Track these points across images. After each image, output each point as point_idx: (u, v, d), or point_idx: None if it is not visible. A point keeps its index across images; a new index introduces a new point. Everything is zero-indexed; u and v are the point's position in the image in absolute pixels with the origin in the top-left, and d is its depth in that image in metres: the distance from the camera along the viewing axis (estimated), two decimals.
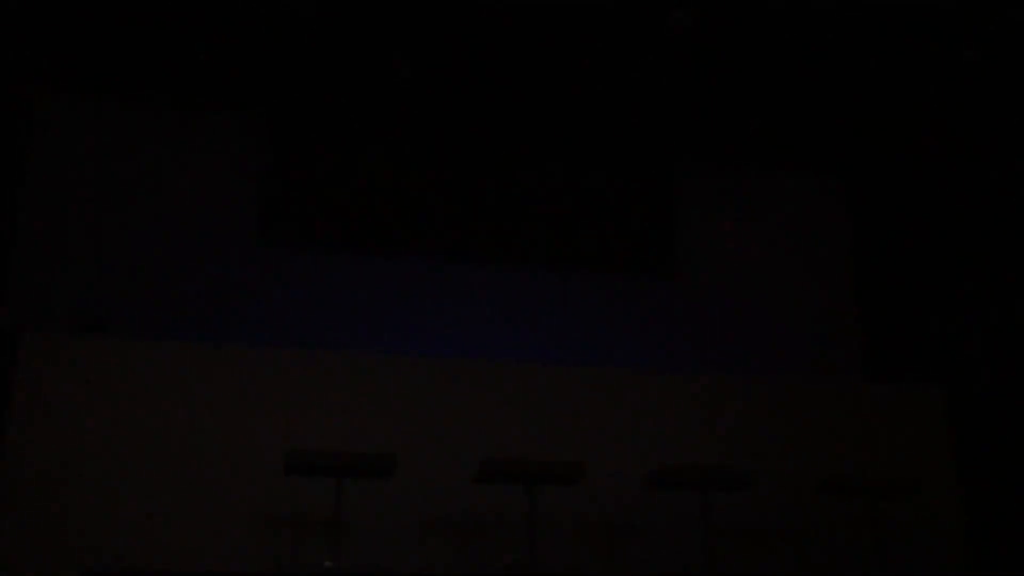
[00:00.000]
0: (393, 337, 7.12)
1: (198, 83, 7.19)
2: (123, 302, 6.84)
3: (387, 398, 6.23)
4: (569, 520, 6.10)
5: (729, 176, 8.26)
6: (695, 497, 5.88)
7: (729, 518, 6.12)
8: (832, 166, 8.41)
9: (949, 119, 7.64)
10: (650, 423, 6.56)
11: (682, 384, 6.78)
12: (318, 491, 5.56)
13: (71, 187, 7.07)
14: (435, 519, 5.96)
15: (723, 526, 6.01)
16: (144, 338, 6.32)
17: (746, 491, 5.94)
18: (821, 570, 6.32)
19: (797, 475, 6.50)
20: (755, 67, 7.18)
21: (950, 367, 7.45)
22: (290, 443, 5.78)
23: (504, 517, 5.96)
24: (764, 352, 7.75)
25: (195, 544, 5.63)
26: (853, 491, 6.11)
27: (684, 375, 6.98)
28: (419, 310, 7.23)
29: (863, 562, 6.20)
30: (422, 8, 6.61)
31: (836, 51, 7.01)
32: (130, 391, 5.94)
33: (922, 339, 7.72)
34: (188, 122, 7.36)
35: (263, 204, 7.29)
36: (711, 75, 7.29)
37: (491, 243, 7.53)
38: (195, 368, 6.08)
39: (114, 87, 7.21)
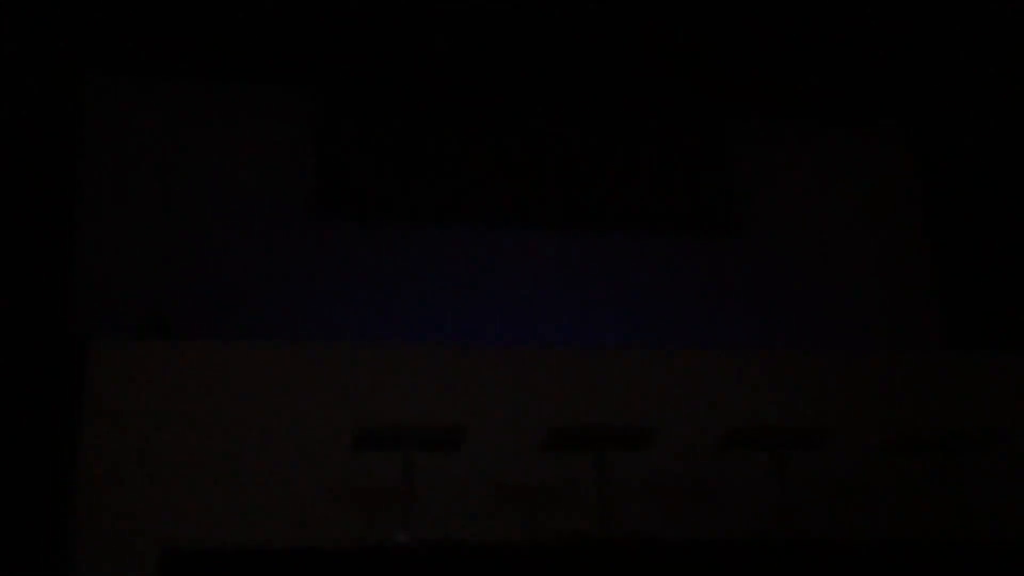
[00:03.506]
0: (450, 302, 7.14)
1: (249, 58, 7.23)
2: (185, 287, 6.93)
3: (453, 379, 6.28)
4: (640, 485, 6.07)
5: (792, 130, 8.03)
6: (768, 460, 5.80)
7: (803, 480, 6.05)
8: (901, 118, 8.13)
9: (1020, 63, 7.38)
10: (719, 396, 6.52)
11: (752, 356, 6.72)
12: (390, 466, 5.60)
13: (124, 174, 7.12)
14: (506, 489, 5.97)
15: (797, 487, 5.94)
16: (208, 325, 6.48)
17: (820, 451, 5.84)
18: (896, 529, 6.21)
19: (873, 439, 6.40)
20: (820, 14, 7.02)
21: None
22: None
23: (575, 484, 5.95)
24: (832, 312, 7.55)
25: (271, 523, 5.72)
26: (930, 446, 5.99)
27: (753, 348, 6.91)
28: (475, 276, 7.24)
29: (942, 523, 6.08)
30: None
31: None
32: (197, 388, 6.05)
33: (1001, 304, 7.43)
34: (239, 100, 7.38)
35: (319, 181, 7.31)
36: (774, 24, 7.14)
37: (549, 208, 7.49)
38: (260, 364, 6.18)
39: (163, 67, 7.25)
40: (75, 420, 5.96)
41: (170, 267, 6.96)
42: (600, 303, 7.31)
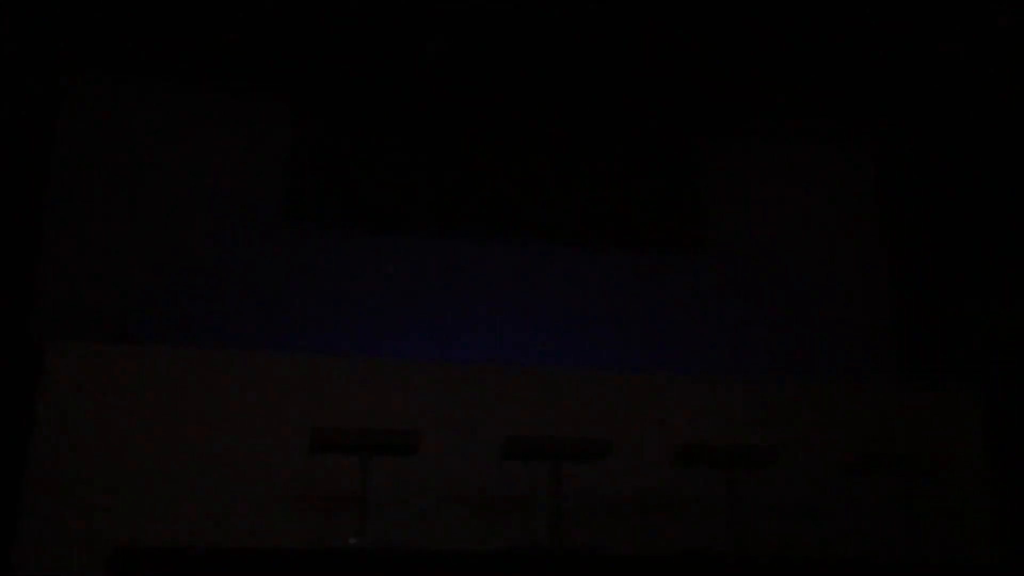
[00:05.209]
0: (416, 313, 7.13)
1: (219, 65, 7.18)
2: (151, 293, 6.83)
3: (413, 391, 6.31)
4: (594, 497, 6.13)
5: (757, 148, 8.00)
6: (721, 475, 5.90)
7: (755, 497, 6.16)
8: (865, 140, 8.08)
9: (989, 90, 7.39)
10: (674, 415, 6.60)
11: (707, 379, 6.82)
12: (346, 471, 5.62)
13: (92, 177, 7.00)
14: (461, 496, 6.00)
15: (749, 505, 6.03)
16: (173, 332, 6.44)
17: (772, 468, 5.95)
18: (842, 548, 6.33)
19: (822, 462, 6.53)
20: (792, 34, 7.09)
21: (987, 368, 7.22)
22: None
23: (530, 494, 6.00)
24: (791, 335, 7.55)
25: (226, 526, 5.71)
26: (877, 470, 6.12)
27: (709, 372, 7.00)
28: (444, 287, 7.21)
29: (889, 542, 6.21)
30: None
31: (870, 17, 6.92)
32: (154, 393, 6.03)
33: (957, 336, 7.44)
34: (209, 106, 7.27)
35: (288, 191, 7.22)
36: (746, 43, 7.20)
37: (517, 222, 7.46)
38: (217, 370, 6.17)
39: (133, 72, 7.17)
40: (29, 421, 5.90)
41: (136, 272, 6.86)
42: (565, 319, 7.33)
